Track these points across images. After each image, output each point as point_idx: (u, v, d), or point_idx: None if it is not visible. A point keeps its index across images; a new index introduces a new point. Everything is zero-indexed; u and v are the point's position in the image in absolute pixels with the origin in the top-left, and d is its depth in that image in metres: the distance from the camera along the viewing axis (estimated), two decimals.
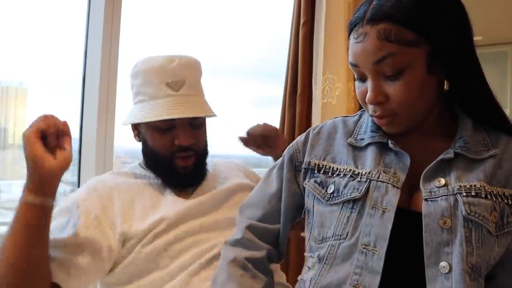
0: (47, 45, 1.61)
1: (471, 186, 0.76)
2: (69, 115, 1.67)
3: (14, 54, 1.55)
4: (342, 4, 1.85)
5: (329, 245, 0.82)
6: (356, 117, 0.93)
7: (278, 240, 0.96)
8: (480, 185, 0.76)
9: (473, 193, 0.75)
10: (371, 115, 0.84)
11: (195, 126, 1.11)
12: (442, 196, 0.76)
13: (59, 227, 0.98)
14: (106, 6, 1.56)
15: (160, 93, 1.06)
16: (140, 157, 1.20)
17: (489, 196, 0.76)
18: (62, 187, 1.83)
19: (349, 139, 0.89)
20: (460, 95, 0.82)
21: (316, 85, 1.86)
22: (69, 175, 1.75)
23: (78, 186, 1.57)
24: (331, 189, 0.85)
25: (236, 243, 0.93)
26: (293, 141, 0.98)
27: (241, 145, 1.28)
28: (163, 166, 1.11)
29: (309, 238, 0.90)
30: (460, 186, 0.76)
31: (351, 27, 0.79)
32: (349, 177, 0.84)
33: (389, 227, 0.76)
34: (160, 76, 1.06)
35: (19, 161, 1.71)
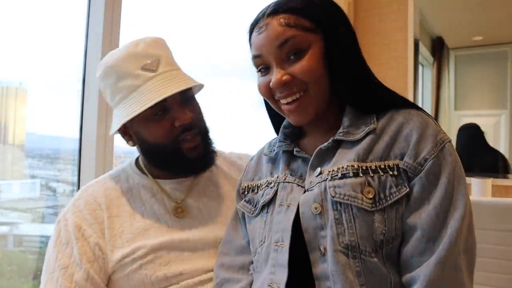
0: (47, 46, 1.61)
1: (338, 168, 0.78)
2: (69, 115, 1.68)
3: (14, 54, 1.55)
4: (342, 4, 1.85)
5: (256, 253, 0.86)
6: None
7: None
8: (348, 166, 0.78)
9: (339, 175, 0.77)
10: (281, 103, 0.85)
11: (187, 101, 1.02)
12: (316, 184, 0.80)
13: (63, 265, 0.95)
14: (106, 6, 1.56)
15: (139, 80, 0.95)
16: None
17: (361, 174, 0.76)
18: (62, 187, 1.83)
19: (265, 151, 0.97)
20: (342, 87, 0.84)
21: None
22: (69, 175, 1.75)
23: (78, 186, 1.58)
24: (254, 202, 0.91)
25: (216, 286, 0.95)
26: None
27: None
28: (171, 156, 1.00)
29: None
30: (329, 171, 0.79)
31: (251, 28, 0.87)
32: (265, 187, 0.90)
33: (291, 219, 0.79)
34: (133, 63, 0.96)
35: (19, 161, 1.71)
